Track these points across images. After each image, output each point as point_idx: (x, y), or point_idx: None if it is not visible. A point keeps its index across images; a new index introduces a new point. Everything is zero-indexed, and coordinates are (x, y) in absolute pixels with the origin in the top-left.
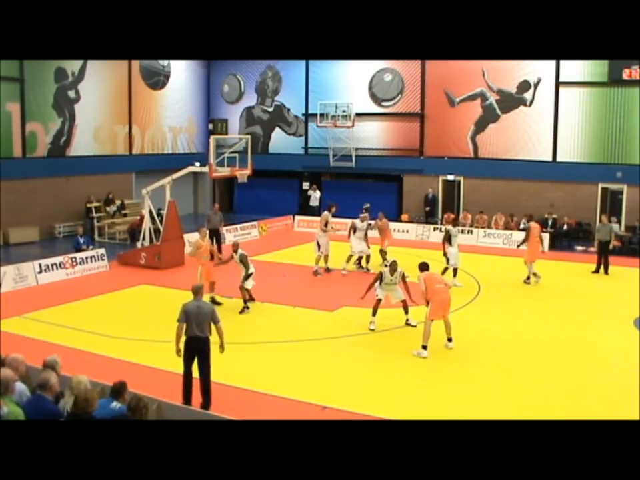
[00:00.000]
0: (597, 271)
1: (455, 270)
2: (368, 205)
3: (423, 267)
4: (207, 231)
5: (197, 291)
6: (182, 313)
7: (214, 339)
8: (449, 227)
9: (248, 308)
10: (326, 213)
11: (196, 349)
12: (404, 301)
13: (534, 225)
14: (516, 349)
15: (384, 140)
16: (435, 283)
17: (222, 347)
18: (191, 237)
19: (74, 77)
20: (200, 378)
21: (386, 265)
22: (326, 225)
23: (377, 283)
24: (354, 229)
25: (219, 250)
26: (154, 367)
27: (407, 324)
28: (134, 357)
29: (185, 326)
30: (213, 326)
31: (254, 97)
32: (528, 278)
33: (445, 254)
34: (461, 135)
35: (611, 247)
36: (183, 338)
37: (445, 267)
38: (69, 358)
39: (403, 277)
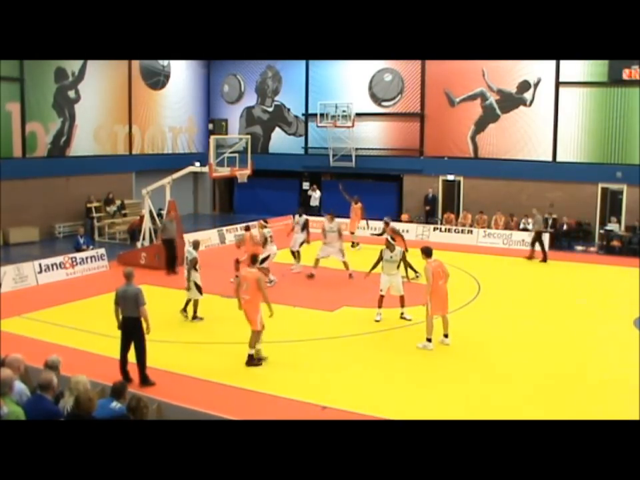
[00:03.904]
0: (530, 257)
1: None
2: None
3: (427, 251)
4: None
5: (127, 276)
6: (115, 297)
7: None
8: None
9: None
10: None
11: (127, 328)
12: (402, 297)
13: (355, 206)
14: (516, 349)
15: (384, 140)
16: (439, 279)
17: (147, 328)
18: (191, 237)
19: (74, 77)
20: (136, 355)
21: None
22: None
23: (382, 274)
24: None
25: (174, 264)
26: (154, 367)
27: (402, 317)
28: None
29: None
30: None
31: (254, 97)
32: (352, 244)
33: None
34: (461, 134)
35: (542, 236)
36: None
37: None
38: (69, 358)
39: (404, 257)
